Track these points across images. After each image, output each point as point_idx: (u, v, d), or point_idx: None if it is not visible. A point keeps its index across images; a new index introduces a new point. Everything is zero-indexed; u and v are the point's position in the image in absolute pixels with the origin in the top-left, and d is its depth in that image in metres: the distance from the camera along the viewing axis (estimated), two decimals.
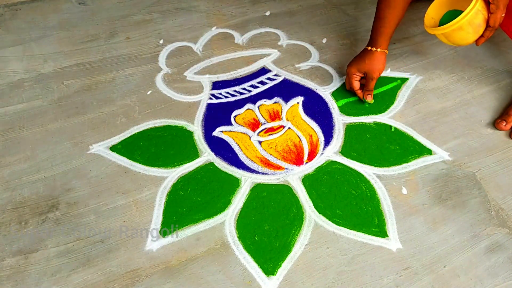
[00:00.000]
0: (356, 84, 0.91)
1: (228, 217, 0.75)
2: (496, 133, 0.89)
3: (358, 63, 0.89)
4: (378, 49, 0.87)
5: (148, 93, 0.95)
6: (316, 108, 0.93)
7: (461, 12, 0.78)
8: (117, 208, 0.76)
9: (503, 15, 0.77)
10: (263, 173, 0.82)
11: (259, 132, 0.88)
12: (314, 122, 0.90)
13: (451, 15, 0.84)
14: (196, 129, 0.89)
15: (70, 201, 0.77)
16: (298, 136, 0.88)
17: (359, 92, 0.91)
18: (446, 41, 0.84)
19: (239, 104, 0.93)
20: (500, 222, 0.76)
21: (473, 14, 0.75)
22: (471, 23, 0.76)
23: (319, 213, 0.76)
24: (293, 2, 1.20)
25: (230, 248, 0.72)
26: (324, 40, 1.08)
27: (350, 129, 0.89)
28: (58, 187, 0.79)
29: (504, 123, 0.89)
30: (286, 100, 0.94)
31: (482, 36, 0.80)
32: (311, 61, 1.04)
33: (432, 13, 0.87)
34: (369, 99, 0.90)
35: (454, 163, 0.84)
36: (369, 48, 0.88)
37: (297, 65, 1.02)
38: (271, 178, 0.81)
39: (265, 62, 1.03)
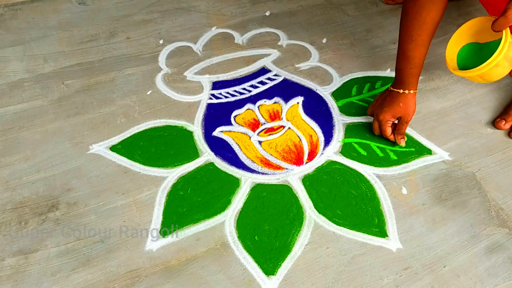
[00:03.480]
0: (390, 130, 0.84)
1: (228, 217, 0.75)
2: (496, 133, 0.89)
3: (392, 108, 0.82)
4: (411, 91, 0.81)
5: (148, 93, 0.95)
6: (316, 108, 0.93)
7: (478, 44, 0.75)
8: (117, 208, 0.76)
9: None
10: (263, 173, 0.82)
11: (259, 132, 0.88)
12: (314, 122, 0.90)
13: (469, 51, 0.80)
14: (196, 129, 0.89)
15: (70, 201, 0.77)
16: (298, 136, 0.88)
17: (392, 137, 0.85)
18: (479, 80, 0.78)
19: (239, 104, 0.93)
20: (500, 222, 0.76)
21: (507, 47, 0.70)
22: (506, 57, 0.71)
23: (319, 213, 0.76)
24: (293, 2, 1.20)
25: (230, 248, 0.72)
26: (324, 40, 1.08)
27: (350, 129, 0.89)
28: (58, 187, 0.79)
29: (504, 122, 0.89)
30: (286, 100, 0.94)
31: None
32: (311, 61, 1.04)
33: (451, 54, 0.81)
34: (403, 143, 0.85)
35: (454, 163, 0.84)
36: (401, 91, 0.81)
37: (297, 65, 1.02)
38: (271, 178, 0.81)
39: (265, 62, 1.03)
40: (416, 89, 0.82)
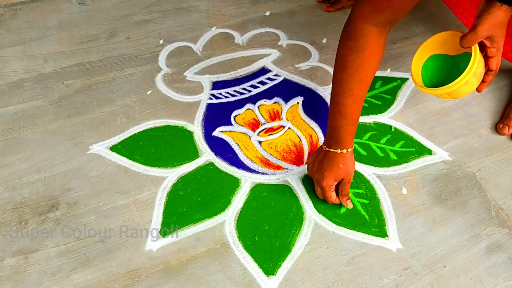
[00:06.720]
0: (334, 195, 0.75)
1: (228, 217, 0.75)
2: (496, 133, 0.89)
3: (332, 172, 0.73)
4: (350, 149, 0.73)
5: (148, 93, 0.95)
6: (316, 108, 0.93)
7: (441, 56, 0.74)
8: (117, 208, 0.76)
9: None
10: (263, 173, 0.82)
11: (259, 132, 0.88)
12: (314, 122, 0.90)
13: (432, 64, 0.77)
14: (196, 129, 0.89)
15: (70, 201, 0.77)
16: (298, 136, 0.88)
17: (337, 201, 0.76)
18: (446, 97, 0.76)
19: (239, 104, 0.93)
20: (500, 222, 0.76)
21: (476, 65, 0.68)
22: (475, 74, 0.69)
23: (319, 213, 0.76)
24: (293, 2, 1.20)
25: (230, 248, 0.72)
26: (324, 40, 1.08)
27: None
28: (58, 187, 0.79)
29: (507, 128, 0.88)
30: (286, 100, 0.94)
31: (484, 81, 0.72)
32: (311, 61, 1.04)
33: (416, 70, 0.77)
34: (350, 204, 0.76)
35: (454, 163, 0.84)
36: (338, 151, 0.73)
37: (297, 65, 1.02)
38: (271, 178, 0.81)
39: (265, 62, 1.03)
40: (353, 146, 0.75)
